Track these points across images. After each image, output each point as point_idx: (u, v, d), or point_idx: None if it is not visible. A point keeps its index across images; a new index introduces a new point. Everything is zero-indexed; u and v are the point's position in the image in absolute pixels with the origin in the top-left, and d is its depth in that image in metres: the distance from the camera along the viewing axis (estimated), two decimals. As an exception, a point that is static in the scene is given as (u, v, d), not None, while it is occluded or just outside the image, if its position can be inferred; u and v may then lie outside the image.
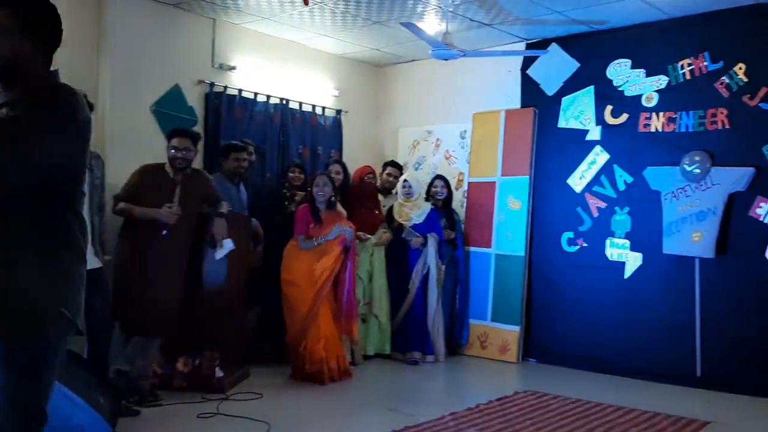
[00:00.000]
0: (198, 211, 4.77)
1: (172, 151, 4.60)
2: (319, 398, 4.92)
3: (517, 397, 4.98)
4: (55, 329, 1.99)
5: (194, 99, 5.87)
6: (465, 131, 6.93)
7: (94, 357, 4.17)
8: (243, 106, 6.19)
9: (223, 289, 4.89)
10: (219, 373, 4.81)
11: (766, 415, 4.73)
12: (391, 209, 6.31)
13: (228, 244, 4.75)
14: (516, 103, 6.56)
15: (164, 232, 4.46)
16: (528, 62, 6.46)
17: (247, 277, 5.34)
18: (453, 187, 6.73)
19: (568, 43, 6.22)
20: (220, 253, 4.73)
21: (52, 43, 2.04)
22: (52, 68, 2.07)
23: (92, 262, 4.15)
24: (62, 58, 4.90)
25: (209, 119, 5.95)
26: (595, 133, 6.03)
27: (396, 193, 6.47)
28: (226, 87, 6.05)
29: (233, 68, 6.14)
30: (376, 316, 6.06)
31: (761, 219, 5.17)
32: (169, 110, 5.62)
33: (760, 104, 5.22)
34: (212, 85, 5.95)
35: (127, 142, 5.26)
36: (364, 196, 6.17)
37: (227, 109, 6.04)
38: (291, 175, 5.98)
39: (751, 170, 5.20)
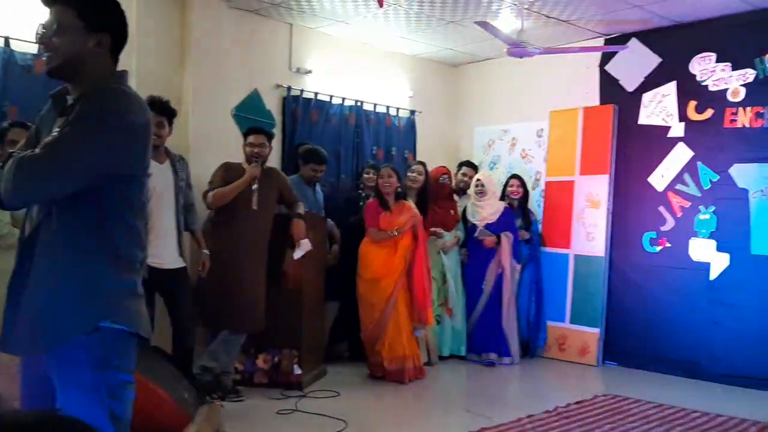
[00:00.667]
0: (275, 211, 4.91)
1: (249, 147, 4.76)
2: (395, 397, 4.95)
3: (596, 400, 4.87)
4: (86, 342, 1.85)
5: (272, 103, 6.01)
6: (542, 129, 6.83)
7: (179, 353, 4.32)
8: (319, 108, 6.29)
9: (301, 288, 4.98)
10: (297, 371, 4.91)
11: None
12: (465, 209, 6.29)
13: (305, 245, 4.85)
14: (595, 100, 6.42)
15: (254, 187, 4.63)
16: (607, 58, 6.31)
17: (324, 277, 5.43)
18: (530, 187, 6.65)
19: (648, 37, 6.04)
20: (297, 254, 4.83)
21: (117, 42, 2.00)
22: (124, 71, 2.04)
23: (176, 262, 4.32)
24: (149, 66, 5.20)
25: (286, 122, 6.08)
26: (678, 130, 5.84)
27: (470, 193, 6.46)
28: (302, 90, 6.17)
29: (309, 72, 6.25)
30: (450, 317, 6.04)
31: None
32: (249, 114, 5.76)
33: None
34: (289, 88, 6.07)
35: (209, 146, 5.43)
36: (439, 197, 6.15)
37: (303, 112, 6.16)
38: (365, 176, 6.04)
39: None
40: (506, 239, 6.07)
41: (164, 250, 4.24)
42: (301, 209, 4.93)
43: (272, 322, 4.77)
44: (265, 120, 5.87)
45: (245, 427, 4.11)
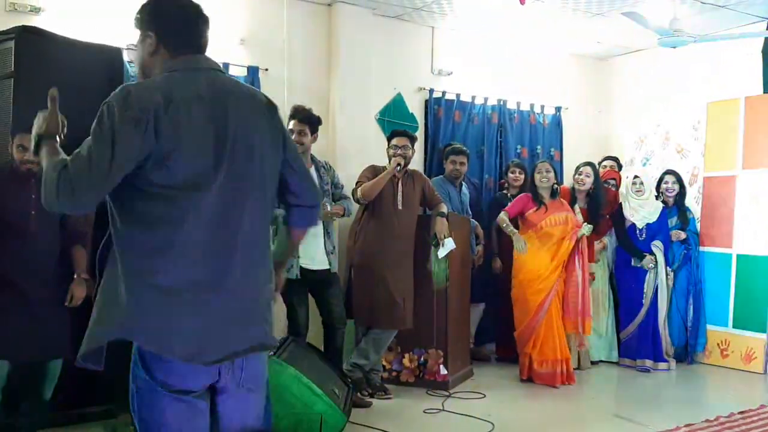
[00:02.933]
0: (419, 213, 4.99)
1: (392, 150, 4.87)
2: (544, 401, 4.86)
3: (762, 410, 4.52)
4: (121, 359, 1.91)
5: (414, 105, 6.10)
6: (698, 122, 6.43)
7: (330, 351, 4.50)
8: (461, 109, 6.30)
9: (446, 288, 5.02)
10: (443, 371, 4.95)
11: None
12: (620, 209, 6.00)
13: (449, 243, 4.87)
14: (758, 88, 5.96)
15: (398, 167, 4.75)
16: (770, 43, 5.85)
17: (470, 277, 5.43)
18: (687, 183, 6.27)
19: (820, 17, 5.54)
20: (442, 252, 4.86)
21: (169, 37, 1.95)
22: (182, 59, 1.96)
23: (323, 263, 4.51)
24: (298, 75, 5.45)
25: (429, 124, 6.15)
26: None
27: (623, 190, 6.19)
28: (444, 92, 6.21)
29: (450, 73, 6.28)
30: (598, 323, 5.83)
31: None
32: (392, 118, 5.89)
33: None
34: (431, 91, 6.14)
35: (355, 150, 5.60)
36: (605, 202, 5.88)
37: (446, 114, 6.20)
38: (511, 175, 5.96)
39: None
40: (659, 251, 5.78)
41: (313, 251, 4.43)
42: (444, 209, 4.97)
43: (418, 322, 4.85)
44: (408, 123, 5.96)
45: (394, 424, 4.18)
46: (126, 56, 4.42)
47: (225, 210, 1.87)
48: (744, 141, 5.96)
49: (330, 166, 4.77)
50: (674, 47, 5.12)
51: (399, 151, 4.83)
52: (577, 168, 5.82)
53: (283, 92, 5.37)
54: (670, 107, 6.71)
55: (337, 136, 5.63)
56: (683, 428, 4.10)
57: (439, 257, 4.88)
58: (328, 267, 4.53)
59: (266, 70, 5.34)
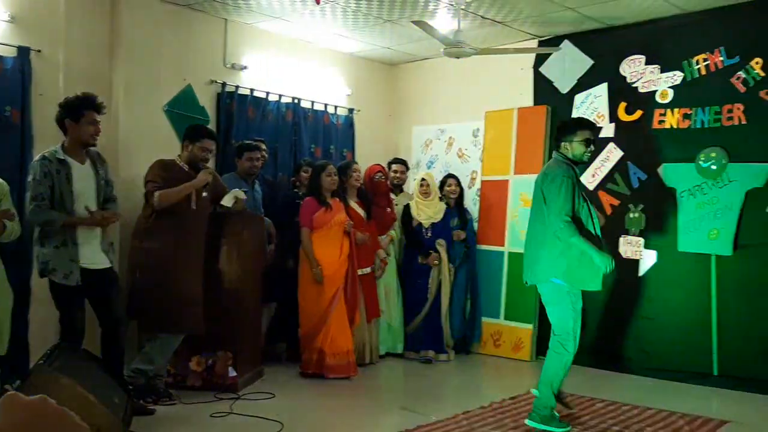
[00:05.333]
0: (210, 211, 4.82)
1: (201, 151, 4.67)
2: (332, 397, 4.92)
3: (530, 395, 4.93)
4: None
5: (206, 99, 5.88)
6: (478, 129, 6.90)
7: (108, 357, 4.19)
8: (255, 105, 6.19)
9: (236, 288, 4.90)
10: (232, 373, 4.82)
11: (784, 414, 4.67)
12: (407, 208, 6.29)
13: (236, 191, 4.78)
14: (529, 101, 6.52)
15: (204, 194, 4.59)
16: (541, 60, 6.42)
17: (261, 276, 5.35)
18: (466, 186, 6.72)
19: (581, 39, 6.17)
20: (227, 200, 4.73)
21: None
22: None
23: (104, 261, 4.19)
24: (77, 60, 5.01)
25: (221, 119, 5.96)
26: (608, 131, 5.98)
27: (411, 191, 6.48)
28: (237, 87, 6.06)
29: (245, 68, 6.15)
30: (384, 312, 6.05)
31: (779, 215, 5.11)
32: (181, 110, 5.64)
33: (776, 99, 5.16)
34: (224, 84, 5.96)
35: (140, 142, 5.29)
36: (376, 195, 6.15)
37: (239, 109, 6.05)
38: (303, 174, 5.97)
39: (768, 166, 5.15)
40: (442, 248, 6.15)
41: (90, 249, 4.12)
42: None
43: (207, 324, 4.66)
44: (199, 116, 5.75)
45: (179, 431, 4.00)
46: None
47: None
48: (516, 148, 6.49)
49: (103, 159, 4.38)
50: (458, 57, 5.43)
51: (209, 155, 4.69)
52: (348, 165, 5.93)
53: (58, 76, 4.92)
54: (453, 114, 7.13)
55: (121, 127, 5.27)
56: (461, 415, 4.36)
57: (224, 204, 4.74)
58: (109, 265, 4.22)
59: (39, 51, 4.84)
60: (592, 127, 4.31)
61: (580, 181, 4.30)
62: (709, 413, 4.52)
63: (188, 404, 4.51)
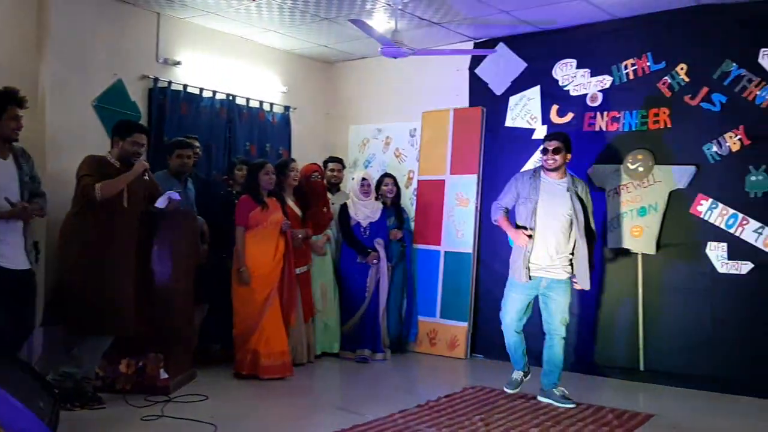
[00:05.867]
0: (142, 209, 4.69)
1: (133, 146, 4.54)
2: (267, 398, 4.86)
3: (465, 393, 5.01)
4: None
5: (137, 94, 5.73)
6: (415, 129, 6.95)
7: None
8: (188, 101, 6.07)
9: (168, 288, 4.79)
10: (163, 375, 4.71)
11: (709, 407, 4.85)
12: (345, 207, 6.26)
13: (170, 194, 4.67)
14: (464, 102, 6.60)
15: (125, 203, 4.47)
16: (476, 61, 6.51)
17: (194, 276, 5.24)
18: (403, 185, 6.75)
19: (515, 42, 6.28)
20: (161, 202, 4.63)
21: None
22: None
23: (23, 262, 4.03)
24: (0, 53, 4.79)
25: (153, 115, 5.82)
26: (541, 132, 6.10)
27: (349, 190, 6.47)
28: (170, 82, 5.93)
29: (178, 63, 6.02)
30: (319, 311, 6.03)
31: (702, 216, 5.32)
32: (112, 106, 5.48)
33: (701, 104, 5.37)
34: (156, 80, 5.82)
35: (68, 138, 5.12)
36: (313, 195, 6.09)
37: (172, 105, 5.91)
38: (237, 172, 5.88)
39: (692, 168, 5.34)
40: (382, 248, 6.16)
41: (11, 248, 3.96)
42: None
43: (137, 325, 4.53)
44: (130, 112, 5.60)
45: (107, 435, 3.90)
46: None
47: None
48: (452, 149, 6.56)
49: (27, 154, 4.23)
50: (395, 57, 5.45)
51: (141, 150, 4.58)
52: (286, 164, 5.89)
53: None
54: (391, 114, 7.15)
55: (48, 122, 5.08)
56: (397, 414, 4.37)
57: (157, 206, 4.65)
58: (29, 267, 4.06)
59: (-41, 42, 4.64)
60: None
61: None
62: (636, 407, 4.67)
63: (118, 408, 4.38)
